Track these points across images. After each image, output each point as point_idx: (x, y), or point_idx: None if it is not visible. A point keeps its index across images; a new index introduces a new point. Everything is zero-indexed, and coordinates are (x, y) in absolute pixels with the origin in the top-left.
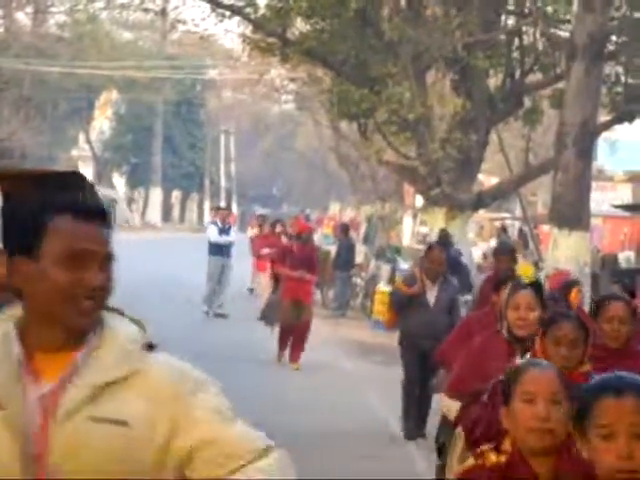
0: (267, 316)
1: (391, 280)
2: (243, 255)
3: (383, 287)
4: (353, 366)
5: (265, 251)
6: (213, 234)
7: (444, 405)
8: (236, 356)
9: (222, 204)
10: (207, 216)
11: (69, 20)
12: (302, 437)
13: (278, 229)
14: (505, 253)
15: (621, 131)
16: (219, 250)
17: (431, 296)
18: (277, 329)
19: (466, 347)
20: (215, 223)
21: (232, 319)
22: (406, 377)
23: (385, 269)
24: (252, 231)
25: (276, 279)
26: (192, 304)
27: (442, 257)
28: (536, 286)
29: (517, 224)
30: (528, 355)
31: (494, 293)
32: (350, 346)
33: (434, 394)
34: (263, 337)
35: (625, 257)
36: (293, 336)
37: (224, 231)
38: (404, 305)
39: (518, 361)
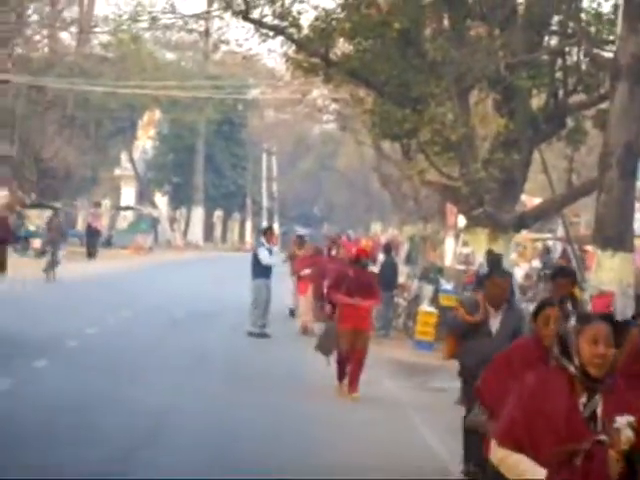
0: (323, 345)
1: (434, 301)
2: (282, 275)
3: (426, 307)
4: (397, 389)
5: (306, 272)
6: (265, 256)
7: (497, 456)
8: (281, 379)
9: (264, 224)
10: (248, 236)
11: (113, 40)
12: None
13: (333, 251)
14: (566, 276)
15: None
16: (265, 272)
17: (494, 324)
18: (334, 358)
19: (506, 383)
20: (263, 245)
21: (276, 339)
22: (468, 412)
23: (428, 290)
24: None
25: (333, 305)
26: (236, 325)
27: (506, 283)
28: (609, 319)
29: (559, 245)
30: (597, 398)
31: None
32: (394, 367)
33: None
34: (307, 356)
35: None
36: (351, 365)
37: (271, 253)
38: (465, 334)
39: (583, 402)
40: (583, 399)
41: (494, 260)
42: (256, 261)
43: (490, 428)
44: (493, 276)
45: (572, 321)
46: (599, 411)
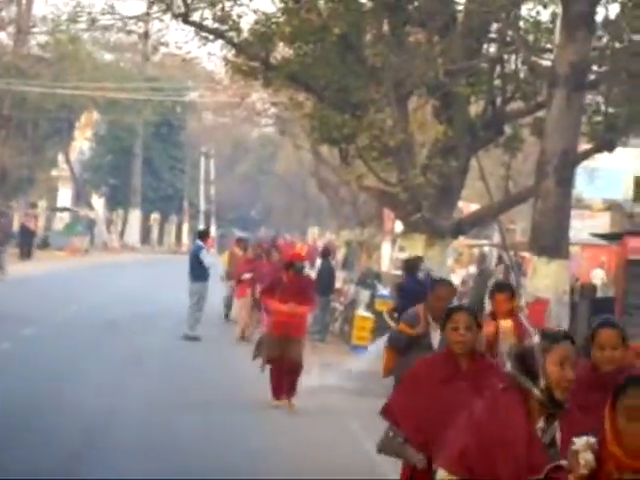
0: (260, 353)
1: (370, 306)
2: (217, 278)
3: (362, 312)
4: (334, 395)
5: (246, 276)
6: (207, 258)
7: None
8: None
9: (201, 227)
10: (185, 238)
11: (51, 40)
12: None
13: (257, 251)
14: (504, 291)
15: (600, 159)
16: (204, 275)
17: (435, 338)
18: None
19: (416, 402)
20: (203, 247)
21: (208, 342)
22: None
23: (364, 294)
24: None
25: (266, 311)
26: (171, 327)
27: (450, 293)
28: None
29: (495, 251)
30: (556, 424)
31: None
32: (331, 372)
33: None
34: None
35: (595, 275)
36: (286, 375)
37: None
38: (404, 348)
39: (541, 427)
40: (541, 424)
41: (409, 264)
42: (196, 264)
43: (406, 453)
44: (436, 286)
45: (534, 338)
46: (558, 437)
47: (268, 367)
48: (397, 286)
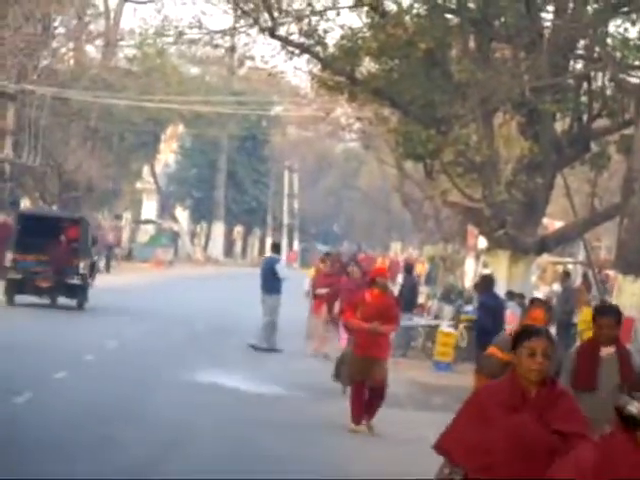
0: (339, 373)
1: (455, 321)
2: (300, 293)
3: (445, 328)
4: (416, 410)
5: (321, 291)
6: (283, 271)
7: None
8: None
9: (280, 239)
10: (268, 252)
11: (138, 54)
12: None
13: (335, 266)
14: (609, 314)
15: None
16: (279, 287)
17: None
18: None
19: (480, 434)
20: (279, 260)
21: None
22: None
23: (448, 310)
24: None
25: (349, 331)
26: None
27: (546, 316)
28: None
29: (580, 269)
30: None
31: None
32: (413, 388)
33: None
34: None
35: None
36: (368, 397)
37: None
38: (498, 374)
39: None
40: None
41: (481, 283)
42: (270, 276)
43: None
44: (531, 307)
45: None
46: None
47: (349, 389)
48: (479, 303)
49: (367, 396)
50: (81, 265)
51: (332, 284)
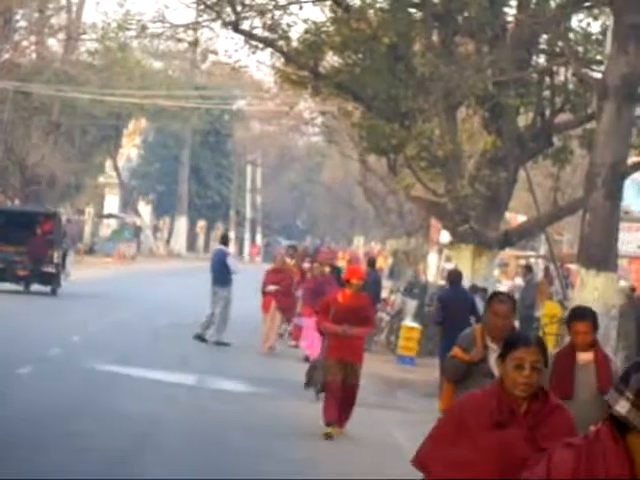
0: (312, 380)
1: (417, 316)
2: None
3: (409, 322)
4: (381, 406)
5: (270, 288)
6: (233, 264)
7: None
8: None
9: (247, 234)
10: (231, 246)
11: (100, 48)
12: None
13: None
14: (585, 317)
15: None
16: (230, 280)
17: (495, 362)
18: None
19: (460, 450)
20: (229, 253)
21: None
22: None
23: (411, 304)
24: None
25: (321, 334)
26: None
27: (510, 310)
28: None
29: (541, 263)
30: None
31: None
32: (377, 381)
33: None
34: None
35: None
36: (341, 400)
37: None
38: (461, 376)
39: None
40: None
41: (455, 275)
42: (222, 269)
43: None
44: (493, 301)
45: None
46: None
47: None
48: (438, 297)
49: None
50: (55, 255)
51: (281, 281)
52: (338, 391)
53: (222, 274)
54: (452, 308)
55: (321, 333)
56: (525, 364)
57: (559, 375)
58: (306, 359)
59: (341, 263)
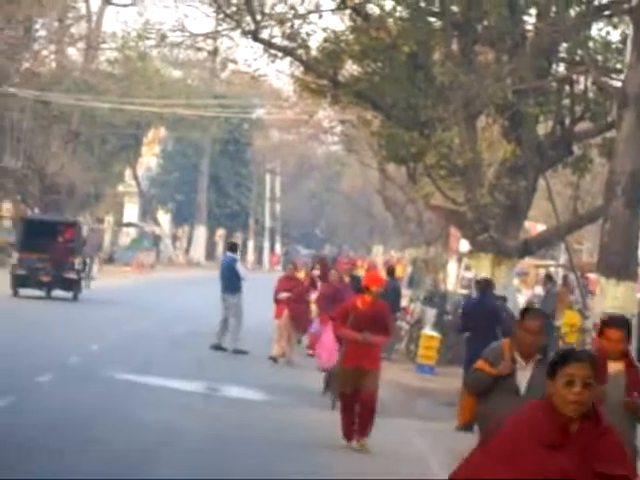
0: (329, 387)
1: (436, 325)
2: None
3: (428, 331)
4: (401, 415)
5: (282, 295)
6: (242, 271)
7: None
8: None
9: (266, 243)
10: (250, 255)
11: (120, 57)
12: None
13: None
14: (618, 325)
15: None
16: (240, 286)
17: (523, 379)
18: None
19: (511, 472)
20: (237, 259)
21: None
22: None
23: (431, 313)
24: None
25: (339, 341)
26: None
27: (540, 325)
28: None
29: (561, 271)
30: None
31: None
32: (397, 391)
33: None
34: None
35: None
36: (359, 410)
37: None
38: (485, 390)
39: None
40: None
41: (481, 286)
42: (231, 276)
43: None
44: (525, 317)
45: None
46: None
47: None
48: (463, 305)
49: (357, 410)
50: (76, 262)
51: (293, 288)
52: (350, 405)
53: (231, 281)
54: (477, 317)
55: (339, 339)
56: (576, 380)
57: None
58: (324, 370)
59: (360, 272)
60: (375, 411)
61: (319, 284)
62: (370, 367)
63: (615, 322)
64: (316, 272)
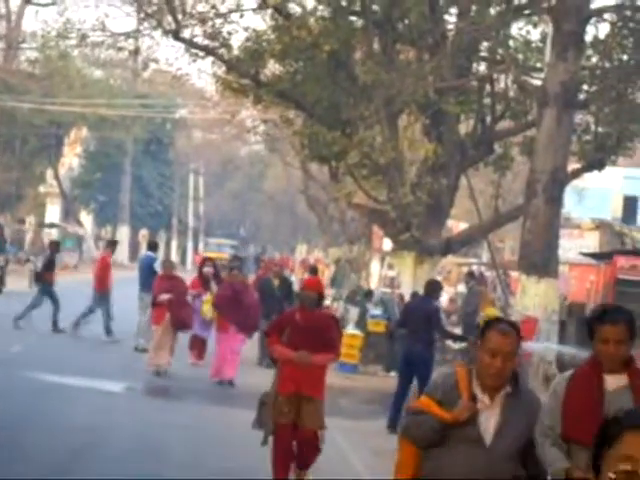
0: (260, 419)
1: (359, 323)
2: None
3: (351, 330)
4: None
5: (163, 297)
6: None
7: None
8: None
9: (189, 244)
10: (174, 255)
11: (40, 56)
12: None
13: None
14: (617, 321)
15: (588, 179)
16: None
17: (488, 423)
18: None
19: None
20: (156, 258)
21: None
22: None
23: (353, 312)
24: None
25: (273, 360)
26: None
27: (515, 346)
28: None
29: (484, 270)
30: None
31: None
32: None
33: None
34: None
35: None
36: (298, 447)
37: None
38: (434, 441)
39: None
40: None
41: (429, 289)
42: (149, 275)
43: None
44: (490, 333)
45: None
46: None
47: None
48: (406, 303)
49: (296, 448)
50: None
51: (174, 288)
52: (290, 438)
53: (149, 280)
54: (417, 317)
55: (273, 360)
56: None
57: (578, 409)
58: (220, 382)
59: (295, 274)
60: (319, 450)
61: (212, 285)
62: (311, 394)
63: (613, 316)
64: (209, 270)
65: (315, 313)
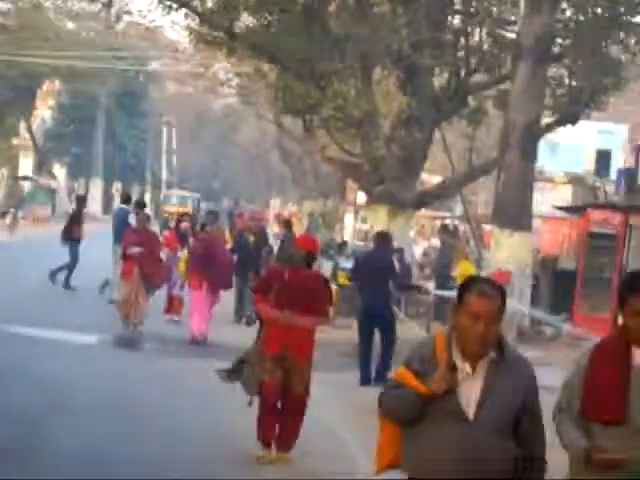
0: (235, 374)
1: (333, 277)
2: None
3: None
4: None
5: (134, 250)
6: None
7: None
8: None
9: (162, 197)
10: (148, 209)
11: (13, 8)
12: None
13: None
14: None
15: (562, 133)
16: None
17: (470, 394)
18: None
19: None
20: (130, 211)
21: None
22: None
23: (327, 266)
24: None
25: (260, 320)
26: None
27: (500, 309)
28: None
29: (458, 223)
30: None
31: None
32: None
33: None
34: None
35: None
36: (283, 414)
37: None
38: (413, 417)
39: None
40: None
41: (380, 239)
42: (123, 228)
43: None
44: (470, 295)
45: None
46: None
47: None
48: (355, 258)
49: (280, 415)
50: None
51: (145, 242)
52: (275, 399)
53: (122, 233)
54: (370, 269)
55: (259, 319)
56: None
57: (602, 385)
58: (194, 341)
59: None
60: (302, 421)
61: (191, 240)
62: (297, 358)
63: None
64: (185, 225)
65: (304, 273)
